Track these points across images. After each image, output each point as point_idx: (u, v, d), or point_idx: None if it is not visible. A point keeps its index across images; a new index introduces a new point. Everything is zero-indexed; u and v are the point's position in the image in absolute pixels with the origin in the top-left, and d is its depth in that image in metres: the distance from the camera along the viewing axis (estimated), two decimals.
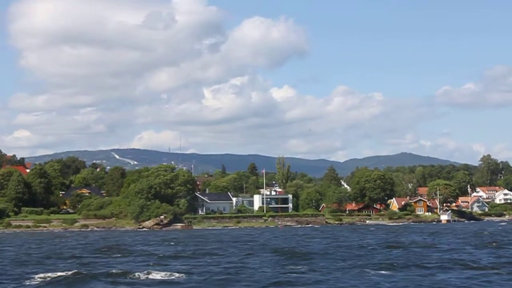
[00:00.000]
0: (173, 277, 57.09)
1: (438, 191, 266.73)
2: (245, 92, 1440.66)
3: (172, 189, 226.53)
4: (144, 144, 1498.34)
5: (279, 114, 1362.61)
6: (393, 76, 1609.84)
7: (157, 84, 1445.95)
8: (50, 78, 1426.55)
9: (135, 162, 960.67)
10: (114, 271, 61.65)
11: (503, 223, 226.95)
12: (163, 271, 61.03)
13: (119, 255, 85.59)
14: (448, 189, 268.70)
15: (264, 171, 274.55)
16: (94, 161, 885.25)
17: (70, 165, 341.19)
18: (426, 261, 69.19)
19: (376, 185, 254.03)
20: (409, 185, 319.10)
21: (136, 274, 58.51)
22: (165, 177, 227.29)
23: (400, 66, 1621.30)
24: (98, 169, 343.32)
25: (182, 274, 58.46)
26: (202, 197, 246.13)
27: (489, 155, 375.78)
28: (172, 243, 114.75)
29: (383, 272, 59.59)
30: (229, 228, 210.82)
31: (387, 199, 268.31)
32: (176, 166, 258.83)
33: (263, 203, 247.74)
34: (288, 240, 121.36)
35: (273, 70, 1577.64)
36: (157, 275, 57.96)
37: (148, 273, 58.81)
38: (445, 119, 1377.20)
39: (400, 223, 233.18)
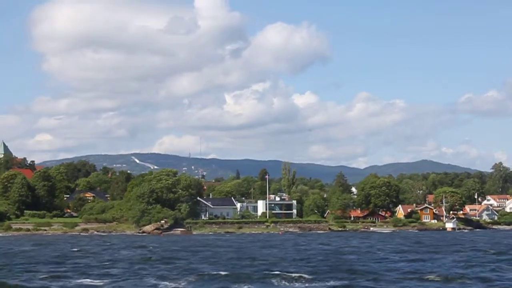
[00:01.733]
0: None
1: (444, 199, 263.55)
2: (267, 97, 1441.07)
3: (174, 193, 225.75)
4: (165, 148, 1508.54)
5: (301, 120, 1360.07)
6: (415, 82, 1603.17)
7: (179, 89, 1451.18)
8: (72, 82, 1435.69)
9: (155, 167, 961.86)
10: None
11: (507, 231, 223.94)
12: None
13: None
14: (454, 197, 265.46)
15: (268, 176, 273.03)
16: (114, 165, 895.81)
17: (80, 168, 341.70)
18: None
19: (381, 192, 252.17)
20: (419, 192, 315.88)
21: None
22: (167, 182, 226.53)
23: (422, 73, 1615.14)
24: (110, 174, 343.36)
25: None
26: (206, 202, 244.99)
27: (500, 163, 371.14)
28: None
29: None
30: (229, 234, 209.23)
31: (393, 206, 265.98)
32: (183, 171, 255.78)
33: (266, 209, 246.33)
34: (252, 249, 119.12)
35: (295, 76, 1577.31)
36: None
37: None
38: (467, 127, 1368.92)
39: (399, 230, 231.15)
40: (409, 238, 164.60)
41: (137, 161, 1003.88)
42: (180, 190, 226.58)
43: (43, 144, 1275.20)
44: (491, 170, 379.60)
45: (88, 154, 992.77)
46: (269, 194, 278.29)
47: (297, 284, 55.06)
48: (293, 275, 59.66)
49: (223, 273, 62.84)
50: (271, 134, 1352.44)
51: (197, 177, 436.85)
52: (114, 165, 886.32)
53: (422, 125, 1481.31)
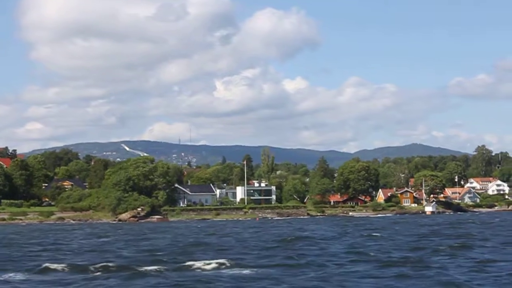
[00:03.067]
0: None
1: (424, 182, 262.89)
2: (257, 83, 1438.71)
3: (151, 181, 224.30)
4: (156, 136, 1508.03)
5: (291, 105, 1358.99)
6: (405, 67, 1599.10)
7: (168, 76, 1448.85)
8: (61, 70, 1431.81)
9: (145, 154, 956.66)
10: None
11: (481, 215, 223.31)
12: None
13: None
14: (434, 180, 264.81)
15: (245, 162, 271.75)
16: (104, 153, 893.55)
17: (62, 157, 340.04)
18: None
19: (360, 176, 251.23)
20: (402, 176, 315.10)
21: None
22: (144, 169, 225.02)
23: (413, 57, 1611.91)
24: (92, 162, 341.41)
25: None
26: (184, 189, 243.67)
27: (484, 146, 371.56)
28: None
29: None
30: (207, 220, 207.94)
31: (372, 191, 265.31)
32: (155, 159, 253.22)
33: (245, 195, 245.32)
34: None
35: (284, 62, 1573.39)
36: None
37: None
38: (458, 110, 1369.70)
39: (379, 215, 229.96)
40: (373, 223, 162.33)
41: (127, 148, 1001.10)
42: (157, 178, 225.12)
43: (33, 133, 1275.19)
44: (474, 153, 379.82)
45: (78, 142, 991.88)
46: (254, 180, 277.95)
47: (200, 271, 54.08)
48: (211, 261, 58.39)
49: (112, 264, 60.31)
50: (262, 120, 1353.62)
51: (180, 163, 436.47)
52: (104, 153, 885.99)
53: (413, 109, 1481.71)
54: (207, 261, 58.52)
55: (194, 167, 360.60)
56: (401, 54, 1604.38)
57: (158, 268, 54.58)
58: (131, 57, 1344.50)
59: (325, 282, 46.87)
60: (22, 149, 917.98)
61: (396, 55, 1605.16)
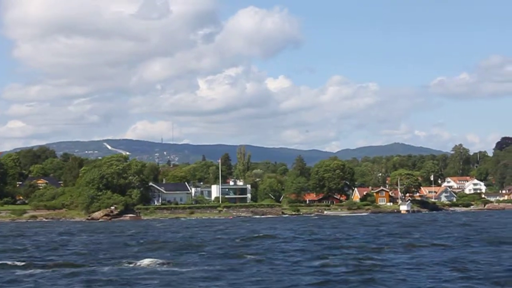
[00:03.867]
0: None
1: (399, 181, 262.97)
2: (240, 82, 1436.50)
3: (125, 179, 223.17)
4: (138, 134, 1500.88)
5: (274, 104, 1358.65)
6: (388, 66, 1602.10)
7: (151, 74, 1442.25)
8: (44, 68, 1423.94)
9: (127, 153, 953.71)
10: None
11: (449, 214, 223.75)
12: None
13: None
14: (410, 179, 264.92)
15: (220, 160, 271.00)
16: (86, 152, 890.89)
17: (40, 155, 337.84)
18: None
19: (335, 175, 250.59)
20: (379, 174, 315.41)
21: None
22: (118, 167, 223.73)
23: (395, 56, 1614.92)
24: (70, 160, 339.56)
25: None
26: (158, 187, 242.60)
27: (461, 145, 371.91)
28: None
29: None
30: (180, 219, 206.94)
31: (348, 190, 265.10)
32: (129, 158, 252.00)
33: (219, 194, 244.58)
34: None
35: (267, 60, 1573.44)
36: None
37: None
38: (440, 110, 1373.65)
39: (354, 214, 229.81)
40: (331, 222, 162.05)
41: (109, 147, 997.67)
42: (131, 176, 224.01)
43: (15, 131, 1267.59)
44: (452, 152, 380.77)
45: (60, 140, 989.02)
46: (233, 179, 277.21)
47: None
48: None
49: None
50: (244, 119, 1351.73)
51: (161, 162, 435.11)
52: (86, 152, 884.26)
53: (395, 108, 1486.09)
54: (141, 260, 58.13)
55: (171, 166, 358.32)
56: (384, 53, 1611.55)
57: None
58: (114, 55, 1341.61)
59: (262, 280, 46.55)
60: (4, 147, 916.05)
61: (378, 54, 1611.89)
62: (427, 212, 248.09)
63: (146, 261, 57.79)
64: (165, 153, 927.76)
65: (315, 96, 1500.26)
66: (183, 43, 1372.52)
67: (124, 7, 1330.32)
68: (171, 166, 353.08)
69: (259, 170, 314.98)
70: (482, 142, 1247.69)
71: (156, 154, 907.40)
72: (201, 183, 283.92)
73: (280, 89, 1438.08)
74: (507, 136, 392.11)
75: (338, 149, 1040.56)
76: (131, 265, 56.27)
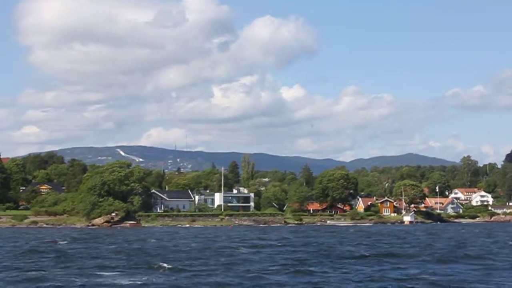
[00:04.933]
0: None
1: (404, 192, 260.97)
2: (254, 91, 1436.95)
3: (127, 185, 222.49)
4: (153, 141, 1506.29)
5: (288, 113, 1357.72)
6: (402, 77, 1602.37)
7: (166, 82, 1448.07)
8: (59, 74, 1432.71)
9: (140, 159, 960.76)
10: None
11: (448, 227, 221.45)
12: None
13: None
14: (415, 190, 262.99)
15: (223, 169, 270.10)
16: (99, 158, 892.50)
17: (47, 160, 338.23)
18: None
19: (339, 185, 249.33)
20: (386, 185, 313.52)
21: None
22: (120, 174, 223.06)
23: (410, 67, 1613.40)
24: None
25: None
26: (161, 195, 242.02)
27: (469, 156, 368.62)
28: None
29: None
30: (180, 226, 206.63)
31: (352, 199, 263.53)
32: (128, 163, 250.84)
33: (223, 202, 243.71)
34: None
35: (282, 69, 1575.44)
36: None
37: None
38: (454, 121, 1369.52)
39: (359, 224, 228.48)
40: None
41: (122, 153, 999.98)
42: (133, 183, 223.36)
43: (30, 137, 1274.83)
44: (460, 163, 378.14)
45: (74, 146, 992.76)
46: (240, 187, 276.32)
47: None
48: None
49: None
50: (259, 127, 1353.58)
51: (174, 169, 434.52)
52: (99, 158, 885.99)
53: (409, 119, 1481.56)
54: None
55: (176, 173, 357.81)
56: (399, 64, 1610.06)
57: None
58: (129, 62, 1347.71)
59: None
60: (19, 152, 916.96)
61: (393, 65, 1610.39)
62: (432, 223, 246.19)
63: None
64: (178, 160, 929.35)
65: (330, 105, 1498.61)
66: (199, 51, 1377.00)
67: (140, 15, 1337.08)
68: (177, 173, 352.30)
69: (266, 178, 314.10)
70: (496, 154, 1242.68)
71: (169, 161, 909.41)
72: (207, 190, 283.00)
73: (294, 98, 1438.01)
74: None
75: (352, 159, 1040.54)
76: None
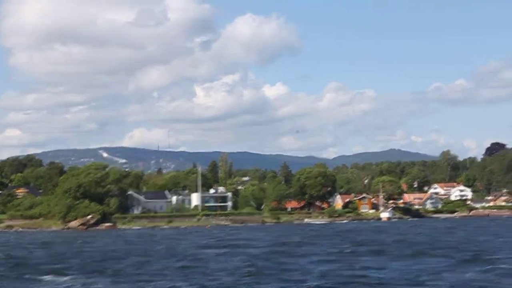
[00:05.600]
0: None
1: (381, 188, 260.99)
2: (237, 89, 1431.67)
3: (103, 187, 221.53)
4: (135, 142, 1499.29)
5: (271, 111, 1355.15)
6: (384, 72, 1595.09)
7: (148, 82, 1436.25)
8: (40, 76, 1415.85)
9: (123, 160, 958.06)
10: None
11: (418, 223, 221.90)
12: None
13: None
14: (393, 186, 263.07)
15: (199, 168, 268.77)
16: (82, 159, 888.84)
17: (26, 163, 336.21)
18: None
19: (316, 182, 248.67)
20: (365, 181, 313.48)
21: None
22: (95, 176, 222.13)
23: (392, 63, 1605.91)
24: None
25: None
26: (138, 196, 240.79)
27: (448, 150, 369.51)
28: None
29: None
30: (159, 228, 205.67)
31: (329, 197, 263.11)
32: (109, 165, 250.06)
33: (200, 202, 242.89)
34: None
35: (264, 67, 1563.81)
36: None
37: None
38: (436, 116, 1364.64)
39: (336, 221, 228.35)
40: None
41: (105, 155, 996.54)
42: (109, 184, 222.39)
43: (11, 139, 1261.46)
44: (439, 158, 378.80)
45: (57, 149, 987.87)
46: (220, 187, 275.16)
47: None
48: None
49: None
50: (241, 126, 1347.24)
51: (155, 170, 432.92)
52: (82, 159, 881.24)
53: (392, 114, 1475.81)
54: None
55: (155, 174, 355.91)
56: (381, 59, 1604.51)
57: None
58: (110, 62, 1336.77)
59: None
60: (2, 155, 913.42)
61: (375, 60, 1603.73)
62: (410, 219, 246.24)
63: None
64: (161, 160, 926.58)
65: (312, 102, 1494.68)
66: (180, 50, 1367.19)
67: (121, 15, 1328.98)
68: (156, 174, 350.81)
69: (246, 177, 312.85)
70: (479, 147, 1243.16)
71: (152, 162, 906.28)
72: (186, 191, 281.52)
73: (277, 96, 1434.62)
74: (497, 141, 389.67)
75: (335, 155, 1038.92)
76: None
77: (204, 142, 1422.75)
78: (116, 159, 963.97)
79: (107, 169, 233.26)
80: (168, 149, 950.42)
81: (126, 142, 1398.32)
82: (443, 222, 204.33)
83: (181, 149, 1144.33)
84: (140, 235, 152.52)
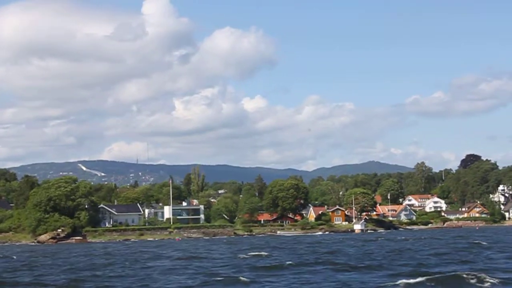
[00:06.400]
0: None
1: (354, 200, 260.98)
2: (216, 103, 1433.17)
3: (73, 201, 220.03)
4: (114, 155, 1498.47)
5: (250, 124, 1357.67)
6: (363, 85, 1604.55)
7: (127, 95, 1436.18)
8: (18, 91, 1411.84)
9: (102, 174, 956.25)
10: None
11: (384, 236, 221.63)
12: None
13: None
14: (366, 198, 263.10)
15: (170, 181, 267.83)
16: (60, 173, 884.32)
17: None
18: None
19: (289, 195, 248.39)
20: (340, 193, 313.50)
21: None
22: (66, 189, 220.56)
23: (370, 75, 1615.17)
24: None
25: None
26: (110, 209, 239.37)
27: (423, 162, 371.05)
28: None
29: None
30: (129, 241, 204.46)
31: (302, 209, 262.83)
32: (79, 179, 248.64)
33: (171, 215, 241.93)
34: None
35: (243, 80, 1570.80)
36: None
37: None
38: (415, 128, 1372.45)
39: (309, 234, 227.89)
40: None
41: (84, 168, 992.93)
42: (79, 198, 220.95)
43: None
44: (414, 170, 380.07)
45: (35, 162, 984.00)
46: (194, 199, 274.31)
47: None
48: None
49: None
50: (221, 139, 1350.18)
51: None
52: (61, 173, 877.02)
53: (371, 127, 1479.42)
54: None
55: (128, 187, 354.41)
56: (359, 72, 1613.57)
57: None
58: (88, 76, 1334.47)
59: None
60: None
61: (354, 73, 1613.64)
62: (383, 231, 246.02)
63: None
64: (140, 173, 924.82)
65: (291, 115, 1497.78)
66: (159, 64, 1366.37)
67: (99, 29, 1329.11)
68: (128, 187, 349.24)
69: (222, 190, 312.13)
70: (457, 159, 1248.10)
71: (131, 175, 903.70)
72: (160, 204, 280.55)
73: (256, 109, 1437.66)
74: (472, 153, 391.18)
75: (315, 168, 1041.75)
76: None
77: (183, 155, 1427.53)
78: (95, 172, 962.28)
79: (77, 183, 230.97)
80: (147, 162, 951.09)
81: (105, 156, 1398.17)
82: (411, 233, 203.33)
83: (161, 162, 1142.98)
84: (112, 247, 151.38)
